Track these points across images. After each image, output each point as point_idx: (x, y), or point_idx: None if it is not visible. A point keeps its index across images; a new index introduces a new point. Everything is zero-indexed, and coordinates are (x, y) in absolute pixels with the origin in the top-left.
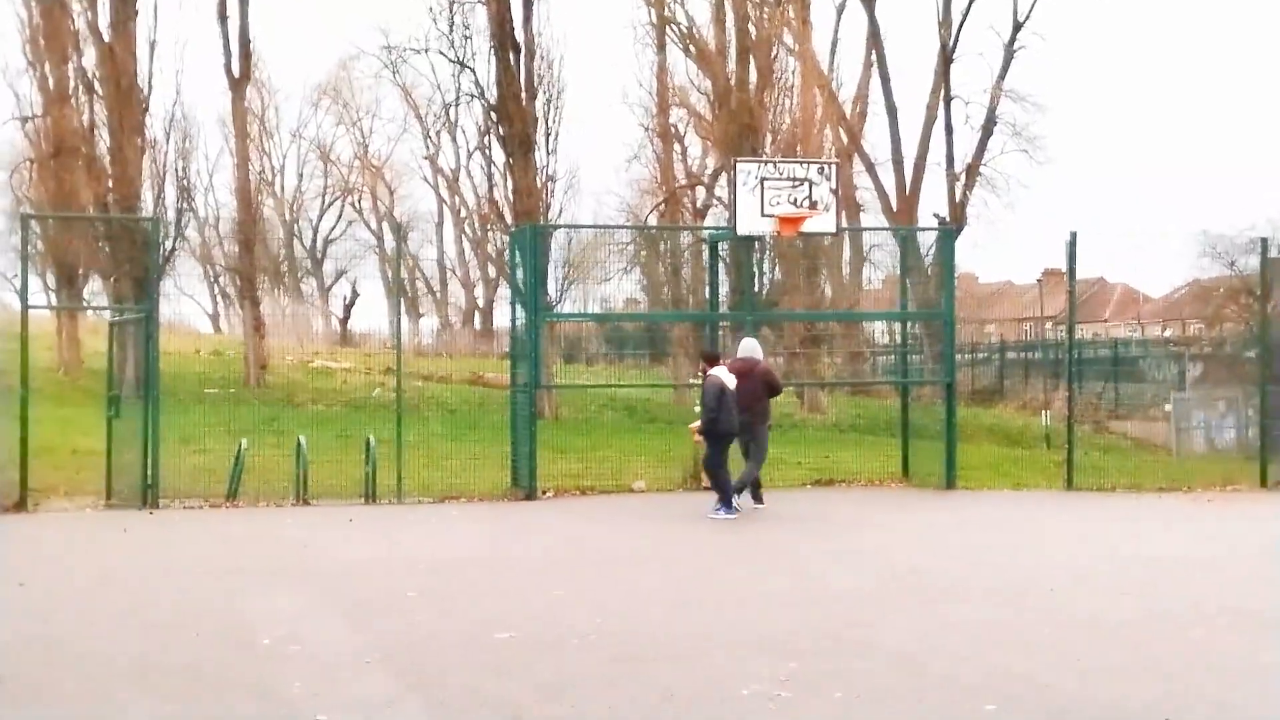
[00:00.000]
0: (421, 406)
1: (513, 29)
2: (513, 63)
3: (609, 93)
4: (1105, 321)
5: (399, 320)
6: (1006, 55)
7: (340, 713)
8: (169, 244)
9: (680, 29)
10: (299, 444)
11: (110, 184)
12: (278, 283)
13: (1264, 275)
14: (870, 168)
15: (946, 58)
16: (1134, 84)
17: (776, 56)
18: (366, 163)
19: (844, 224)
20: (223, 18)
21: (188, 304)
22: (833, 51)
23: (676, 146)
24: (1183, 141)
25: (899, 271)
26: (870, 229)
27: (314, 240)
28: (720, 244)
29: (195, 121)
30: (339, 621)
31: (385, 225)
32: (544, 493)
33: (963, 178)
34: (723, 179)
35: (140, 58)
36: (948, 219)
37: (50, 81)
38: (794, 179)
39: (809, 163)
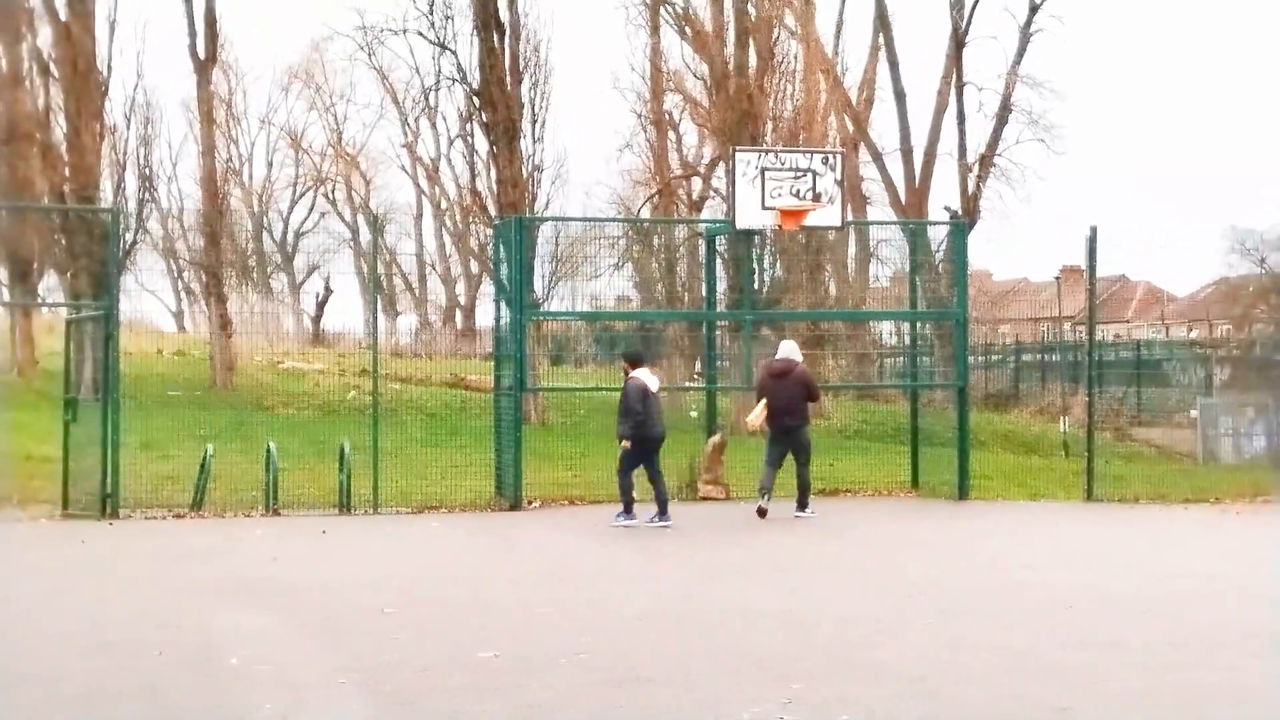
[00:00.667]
0: (399, 410)
1: (497, 9)
2: (497, 45)
3: (599, 77)
4: (1127, 322)
5: (375, 319)
6: (1022, 39)
7: None
8: (130, 237)
9: (675, 9)
10: (268, 450)
11: (67, 172)
12: (246, 278)
13: None
14: (877, 157)
15: (959, 41)
16: (1157, 71)
17: (778, 39)
18: (340, 151)
19: (849, 217)
20: None
21: (150, 301)
22: (837, 34)
23: (671, 135)
24: (1209, 132)
25: (908, 268)
26: (877, 223)
27: (284, 233)
28: (718, 238)
29: (158, 106)
30: (311, 640)
31: (360, 217)
32: (530, 503)
33: (976, 169)
34: (720, 169)
35: (99, 38)
36: (960, 212)
37: (2, 63)
38: (796, 169)
39: (812, 152)
